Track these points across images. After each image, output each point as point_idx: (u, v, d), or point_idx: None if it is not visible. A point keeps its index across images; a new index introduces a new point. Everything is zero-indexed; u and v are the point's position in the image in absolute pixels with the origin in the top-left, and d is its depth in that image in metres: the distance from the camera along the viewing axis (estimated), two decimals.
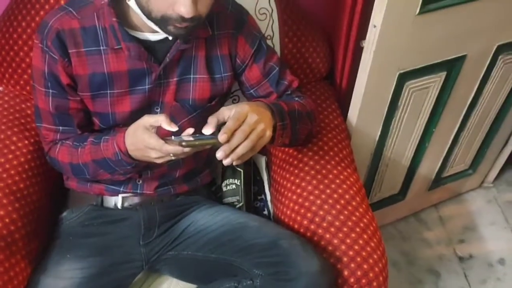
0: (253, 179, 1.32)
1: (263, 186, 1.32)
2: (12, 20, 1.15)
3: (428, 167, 1.65)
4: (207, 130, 0.85)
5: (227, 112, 0.87)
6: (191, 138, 0.85)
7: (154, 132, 0.87)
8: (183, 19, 0.87)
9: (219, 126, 0.87)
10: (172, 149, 0.85)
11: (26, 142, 1.11)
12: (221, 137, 0.83)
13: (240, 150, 0.85)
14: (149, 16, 0.90)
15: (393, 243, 1.76)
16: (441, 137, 1.55)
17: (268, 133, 0.90)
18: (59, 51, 0.96)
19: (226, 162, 0.85)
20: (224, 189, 1.25)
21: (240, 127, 0.85)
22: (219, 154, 0.84)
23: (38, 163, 1.11)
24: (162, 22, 0.89)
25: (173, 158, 0.88)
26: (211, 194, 1.26)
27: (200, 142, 0.84)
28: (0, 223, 0.96)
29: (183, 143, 0.83)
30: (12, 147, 1.09)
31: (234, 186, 1.24)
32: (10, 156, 1.07)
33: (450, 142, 1.60)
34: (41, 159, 1.11)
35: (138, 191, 1.10)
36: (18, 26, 1.14)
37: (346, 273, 0.99)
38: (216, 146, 0.85)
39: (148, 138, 0.86)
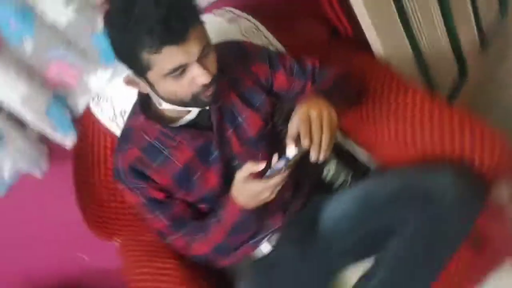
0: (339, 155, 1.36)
1: (351, 152, 1.36)
2: (88, 187, 1.30)
3: (467, 33, 1.64)
4: (291, 151, 0.92)
5: (292, 125, 0.95)
6: (282, 163, 0.93)
7: (250, 179, 0.97)
8: (207, 86, 0.97)
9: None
10: (278, 180, 0.94)
11: (170, 264, 1.21)
12: (305, 142, 0.91)
13: (325, 143, 0.92)
14: (182, 103, 1.01)
15: None
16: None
17: (333, 113, 0.96)
18: (142, 179, 1.08)
19: (321, 158, 0.92)
20: (328, 178, 1.31)
21: (312, 127, 0.93)
22: (312, 158, 0.92)
23: (189, 272, 1.20)
24: (194, 100, 1.00)
25: (280, 186, 0.97)
26: (323, 191, 1.29)
27: (296, 158, 0.93)
28: None
29: (283, 169, 0.92)
30: (166, 274, 1.20)
31: (333, 171, 1.29)
32: (165, 278, 1.19)
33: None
34: (188, 266, 1.21)
35: (272, 229, 1.19)
36: (93, 189, 1.30)
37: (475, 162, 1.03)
38: (305, 153, 0.93)
39: (254, 186, 0.96)
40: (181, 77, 0.95)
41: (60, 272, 1.66)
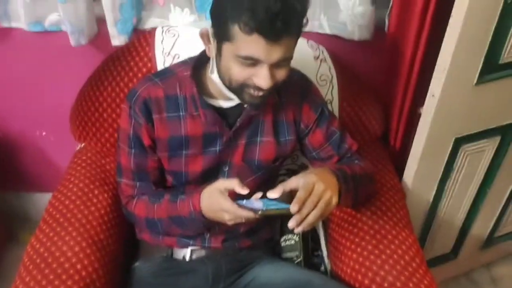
0: (310, 234, 1.36)
1: (320, 243, 1.36)
2: (99, 85, 1.28)
3: (481, 226, 1.66)
4: (273, 195, 0.91)
5: (295, 181, 0.94)
6: (261, 205, 0.91)
7: (227, 194, 0.95)
8: (259, 88, 0.96)
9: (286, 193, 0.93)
10: (245, 214, 0.92)
11: (106, 195, 1.21)
12: (293, 207, 0.88)
13: (310, 219, 0.90)
14: (229, 85, 1.00)
15: None
16: (494, 197, 1.56)
17: (335, 199, 0.95)
18: (145, 117, 1.07)
19: (297, 230, 0.90)
20: (283, 244, 1.30)
21: (309, 198, 0.91)
22: (291, 224, 0.89)
23: (115, 215, 1.20)
24: (239, 90, 0.99)
25: (243, 221, 0.95)
26: (271, 250, 1.30)
27: (274, 212, 0.90)
28: (84, 271, 1.04)
29: (259, 212, 0.89)
30: (94, 200, 1.19)
31: (293, 242, 1.28)
32: (93, 208, 1.17)
33: (503, 202, 1.61)
34: (118, 211, 1.20)
35: (206, 245, 1.17)
36: (104, 90, 1.28)
37: None
38: (286, 215, 0.90)
39: (223, 202, 0.94)
40: (247, 67, 0.95)
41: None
